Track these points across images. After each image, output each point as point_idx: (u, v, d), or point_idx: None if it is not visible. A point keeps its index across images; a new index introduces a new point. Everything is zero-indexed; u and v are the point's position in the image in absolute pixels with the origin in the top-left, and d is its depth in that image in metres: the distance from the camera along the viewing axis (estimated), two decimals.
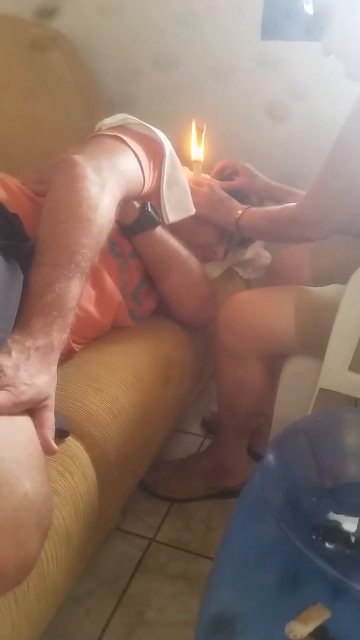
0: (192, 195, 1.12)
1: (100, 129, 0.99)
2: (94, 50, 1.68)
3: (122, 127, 0.99)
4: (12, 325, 0.66)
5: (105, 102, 1.68)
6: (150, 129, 1.02)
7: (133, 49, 1.66)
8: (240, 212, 1.13)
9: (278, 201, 1.23)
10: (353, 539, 0.60)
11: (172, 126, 1.14)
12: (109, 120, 1.01)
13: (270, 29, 1.53)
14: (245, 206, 1.15)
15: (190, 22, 1.57)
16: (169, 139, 1.07)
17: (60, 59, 1.49)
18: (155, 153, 1.00)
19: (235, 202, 1.16)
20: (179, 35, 1.60)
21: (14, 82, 1.30)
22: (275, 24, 1.52)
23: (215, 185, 1.19)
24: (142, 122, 1.01)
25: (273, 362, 1.11)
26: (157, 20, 1.61)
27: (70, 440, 0.74)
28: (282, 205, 1.10)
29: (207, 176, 1.25)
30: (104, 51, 1.69)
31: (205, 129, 1.18)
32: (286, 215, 1.06)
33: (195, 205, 1.12)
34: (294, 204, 1.05)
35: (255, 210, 1.14)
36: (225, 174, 1.30)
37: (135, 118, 1.01)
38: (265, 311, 1.05)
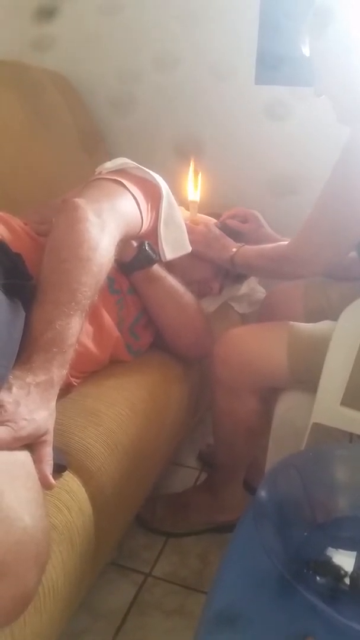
0: (189, 232, 1.16)
1: (100, 173, 1.03)
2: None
3: (121, 171, 1.03)
4: (14, 362, 0.68)
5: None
6: (148, 173, 1.06)
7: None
8: (234, 249, 1.18)
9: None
10: (344, 573, 0.61)
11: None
12: (109, 165, 1.05)
13: (265, 75, 1.60)
14: (239, 244, 1.19)
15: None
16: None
17: (61, 100, 1.54)
18: (152, 195, 1.04)
19: (230, 240, 1.21)
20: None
21: (15, 124, 1.34)
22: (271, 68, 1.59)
23: (211, 223, 1.23)
24: (140, 166, 1.06)
25: (268, 396, 1.13)
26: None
27: (67, 475, 0.76)
28: (275, 244, 1.15)
29: (203, 216, 1.29)
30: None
31: (200, 174, 1.22)
32: (279, 253, 1.11)
33: (192, 242, 1.16)
34: (286, 242, 1.09)
35: (249, 248, 1.18)
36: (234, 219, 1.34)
37: (134, 162, 1.06)
38: (259, 346, 1.07)
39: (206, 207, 1.34)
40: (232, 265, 1.19)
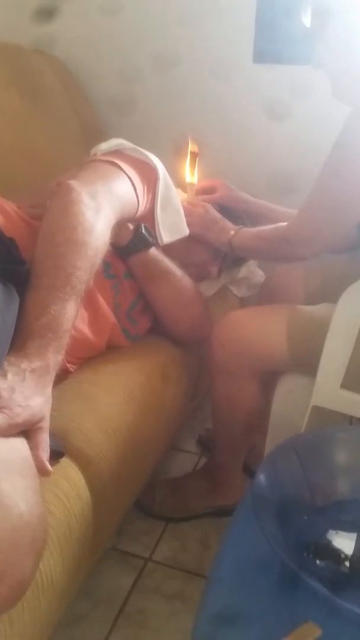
0: (187, 215, 1.15)
1: (95, 154, 1.01)
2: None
3: (116, 152, 1.01)
4: (8, 348, 0.67)
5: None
6: (144, 154, 1.04)
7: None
8: (233, 232, 1.16)
9: (254, 215, 1.27)
10: (344, 557, 0.61)
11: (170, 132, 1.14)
12: (104, 146, 1.03)
13: (263, 53, 1.57)
14: (238, 226, 1.17)
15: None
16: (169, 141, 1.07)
17: (59, 86, 1.52)
18: (149, 176, 1.02)
19: (228, 223, 1.19)
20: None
21: (12, 109, 1.32)
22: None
23: (209, 206, 1.22)
24: (136, 147, 1.04)
25: (267, 380, 1.12)
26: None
27: (64, 461, 0.75)
28: (274, 225, 1.12)
29: (201, 198, 1.28)
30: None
31: (198, 154, 1.20)
32: (277, 234, 1.09)
33: (190, 225, 1.14)
34: (285, 223, 1.08)
35: (247, 230, 1.17)
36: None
37: (130, 143, 1.04)
38: (258, 330, 1.06)
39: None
40: (230, 248, 1.17)
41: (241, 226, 1.18)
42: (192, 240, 1.16)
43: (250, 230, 1.16)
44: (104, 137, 1.55)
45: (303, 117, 1.57)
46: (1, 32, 1.59)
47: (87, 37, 1.70)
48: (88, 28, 1.69)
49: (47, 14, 1.67)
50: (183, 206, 1.15)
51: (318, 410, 0.98)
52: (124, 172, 0.95)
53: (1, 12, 1.61)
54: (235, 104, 1.63)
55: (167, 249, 1.11)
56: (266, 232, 1.12)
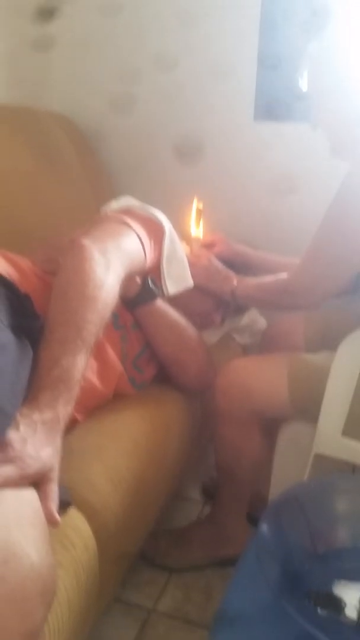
0: (191, 266, 1.19)
1: (106, 212, 1.07)
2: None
3: (126, 211, 1.07)
4: (22, 400, 0.70)
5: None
6: (151, 212, 1.10)
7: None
8: (235, 282, 1.20)
9: (253, 267, 1.32)
10: (345, 605, 0.61)
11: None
12: (114, 205, 1.09)
13: (263, 111, 1.65)
14: (240, 277, 1.22)
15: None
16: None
17: (69, 145, 1.58)
18: (156, 233, 1.07)
19: (231, 273, 1.23)
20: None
21: (26, 168, 1.38)
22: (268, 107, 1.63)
23: (212, 257, 1.27)
24: (144, 206, 1.09)
25: (270, 427, 1.14)
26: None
27: (72, 512, 0.76)
28: (275, 276, 1.17)
29: (205, 251, 1.33)
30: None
31: (202, 211, 1.26)
32: (278, 285, 1.14)
33: (194, 275, 1.19)
34: (285, 274, 1.13)
35: (249, 280, 1.21)
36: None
37: (138, 201, 1.09)
38: (260, 378, 1.09)
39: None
40: (233, 298, 1.21)
41: (243, 277, 1.22)
42: (195, 290, 1.20)
43: (252, 281, 1.21)
44: (112, 191, 1.63)
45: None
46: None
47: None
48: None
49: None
50: (187, 258, 1.20)
51: (321, 458, 0.99)
52: (133, 229, 1.01)
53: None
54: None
55: (172, 299, 1.15)
56: (268, 284, 1.17)
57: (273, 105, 1.61)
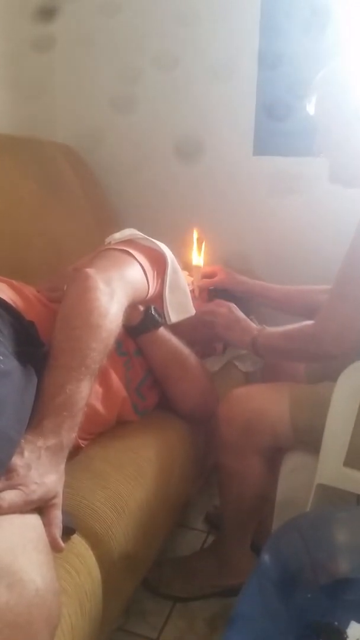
0: (211, 314, 1.20)
1: (109, 243, 1.10)
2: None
3: (129, 241, 1.10)
4: (26, 426, 0.72)
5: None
6: (154, 242, 1.12)
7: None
8: (256, 332, 1.15)
9: (253, 296, 1.32)
10: (346, 637, 0.61)
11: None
12: (117, 235, 1.12)
13: (262, 147, 1.69)
14: (260, 327, 1.17)
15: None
16: None
17: (72, 174, 1.62)
18: (158, 263, 1.10)
19: (250, 323, 1.18)
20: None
21: (30, 197, 1.42)
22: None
23: (233, 305, 1.23)
24: (147, 237, 1.12)
25: (273, 457, 1.14)
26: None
27: (75, 538, 0.77)
28: (300, 324, 1.09)
29: (202, 281, 1.35)
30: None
31: (203, 240, 1.29)
32: (304, 332, 1.05)
33: (214, 324, 1.19)
34: (311, 322, 1.04)
35: (272, 329, 1.14)
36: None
37: (141, 233, 1.12)
38: (262, 407, 1.09)
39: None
40: (254, 350, 1.15)
41: (263, 326, 1.16)
42: (197, 319, 1.22)
43: (275, 330, 1.13)
44: (116, 222, 1.66)
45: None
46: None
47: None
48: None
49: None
50: (208, 306, 1.23)
51: (323, 488, 0.99)
52: (136, 259, 1.03)
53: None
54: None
55: (174, 328, 1.16)
56: (292, 331, 1.08)
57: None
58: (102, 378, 1.01)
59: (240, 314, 1.22)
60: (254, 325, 1.18)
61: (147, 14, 1.66)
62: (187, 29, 1.61)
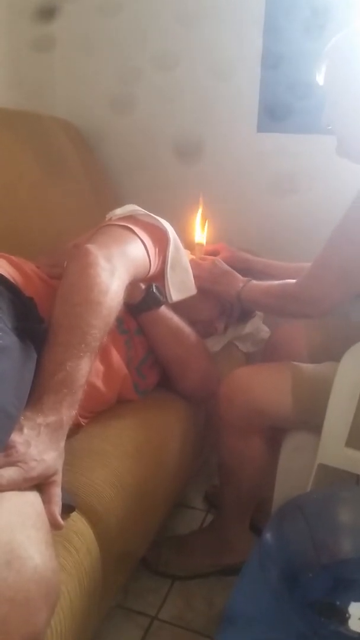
0: (195, 269, 1.19)
1: (110, 219, 1.08)
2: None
3: (130, 217, 1.07)
4: (25, 403, 0.71)
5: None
6: (156, 219, 1.10)
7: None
8: (241, 284, 1.19)
9: (255, 273, 1.30)
10: (348, 616, 0.61)
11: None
12: (119, 211, 1.10)
13: (267, 124, 1.66)
14: (246, 279, 1.20)
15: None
16: None
17: (72, 150, 1.60)
18: (160, 240, 1.08)
19: (237, 275, 1.22)
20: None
21: (29, 173, 1.39)
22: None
23: (217, 259, 1.26)
24: (149, 213, 1.10)
25: (274, 436, 1.13)
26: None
27: (75, 516, 0.77)
28: (283, 281, 1.14)
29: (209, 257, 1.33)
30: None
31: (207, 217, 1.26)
32: (285, 291, 1.11)
33: (198, 278, 1.18)
34: (294, 280, 1.10)
35: (256, 283, 1.19)
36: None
37: (142, 209, 1.10)
38: (263, 387, 1.08)
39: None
40: (238, 301, 1.20)
41: (249, 279, 1.20)
42: (199, 298, 1.20)
43: (259, 285, 1.18)
44: (115, 197, 1.64)
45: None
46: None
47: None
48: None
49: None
50: (191, 261, 1.20)
51: (324, 468, 0.99)
52: (137, 236, 1.01)
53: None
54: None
55: (176, 307, 1.15)
56: (274, 288, 1.14)
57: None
58: (103, 356, 1.00)
59: (225, 266, 1.23)
60: (239, 277, 1.20)
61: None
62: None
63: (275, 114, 1.61)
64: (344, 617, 0.61)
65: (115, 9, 1.65)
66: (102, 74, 1.74)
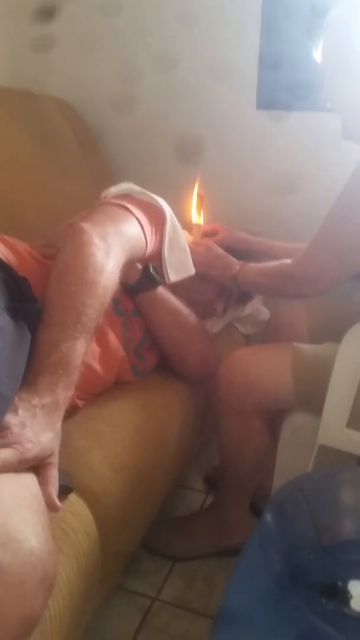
0: (191, 254, 1.17)
1: (105, 197, 1.05)
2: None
3: (126, 196, 1.05)
4: (20, 384, 0.69)
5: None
6: (152, 197, 1.08)
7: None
8: (237, 267, 1.18)
9: (255, 253, 1.29)
10: (350, 597, 0.60)
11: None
12: (114, 190, 1.07)
13: (266, 100, 1.63)
14: (242, 262, 1.19)
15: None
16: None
17: (68, 129, 1.57)
18: (157, 219, 1.06)
19: (231, 259, 1.21)
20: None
21: (24, 152, 1.37)
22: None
23: (211, 243, 1.24)
24: (144, 191, 1.08)
25: (274, 418, 1.13)
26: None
27: (72, 497, 0.76)
28: (279, 261, 1.14)
29: (206, 239, 1.31)
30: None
31: (204, 197, 1.24)
32: (281, 271, 1.11)
33: (194, 262, 1.17)
34: (289, 260, 1.10)
35: (252, 266, 1.18)
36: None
37: (138, 187, 1.08)
38: (263, 368, 1.07)
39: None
40: (235, 284, 1.19)
41: (245, 262, 1.19)
42: (197, 279, 1.19)
43: (254, 266, 1.18)
44: (112, 178, 1.62)
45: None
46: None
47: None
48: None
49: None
50: (189, 245, 1.18)
51: (325, 449, 0.98)
52: (133, 214, 0.99)
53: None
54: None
55: (174, 288, 1.13)
56: (270, 269, 1.14)
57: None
58: (100, 337, 0.98)
59: (220, 250, 1.22)
60: (234, 260, 1.20)
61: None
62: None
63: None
64: (345, 598, 0.60)
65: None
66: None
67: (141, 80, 1.69)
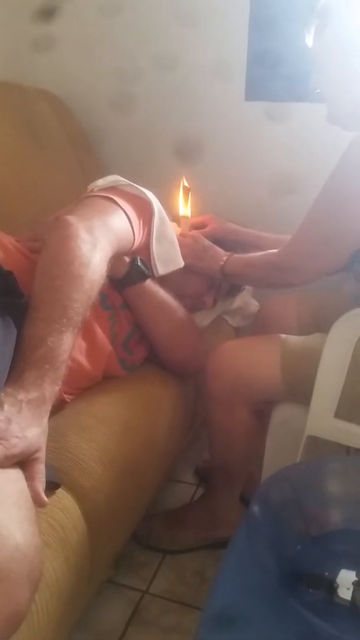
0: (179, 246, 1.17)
1: (92, 190, 1.04)
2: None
3: (113, 188, 1.04)
4: (5, 379, 0.69)
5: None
6: (140, 189, 1.07)
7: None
8: (225, 259, 1.18)
9: (245, 245, 1.28)
10: (337, 586, 0.61)
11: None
12: (100, 182, 1.06)
13: (254, 91, 1.62)
14: (229, 253, 1.19)
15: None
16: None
17: (56, 122, 1.56)
18: (144, 211, 1.05)
19: (219, 250, 1.20)
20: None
21: (11, 145, 1.35)
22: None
23: (198, 235, 1.24)
24: (132, 183, 1.07)
25: (262, 409, 1.13)
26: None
27: (60, 492, 0.75)
28: (265, 252, 1.14)
29: (192, 232, 1.30)
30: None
31: (190, 189, 1.23)
32: (268, 262, 1.11)
33: (182, 256, 1.16)
34: (275, 250, 1.10)
35: (238, 257, 1.18)
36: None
37: (125, 179, 1.07)
38: (251, 359, 1.07)
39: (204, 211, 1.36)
40: (222, 275, 1.19)
41: (232, 253, 1.19)
42: (186, 272, 1.18)
43: (241, 257, 1.18)
44: (100, 171, 1.61)
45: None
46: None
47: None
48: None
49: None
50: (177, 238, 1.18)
51: (313, 440, 0.98)
52: (120, 207, 0.98)
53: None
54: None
55: (163, 281, 1.13)
56: (256, 260, 1.14)
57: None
58: (86, 332, 0.98)
59: (207, 242, 1.22)
60: (222, 251, 1.19)
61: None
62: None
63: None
64: (332, 587, 0.61)
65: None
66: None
67: (141, 80, 1.69)
